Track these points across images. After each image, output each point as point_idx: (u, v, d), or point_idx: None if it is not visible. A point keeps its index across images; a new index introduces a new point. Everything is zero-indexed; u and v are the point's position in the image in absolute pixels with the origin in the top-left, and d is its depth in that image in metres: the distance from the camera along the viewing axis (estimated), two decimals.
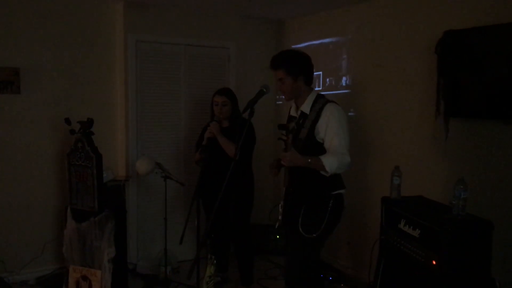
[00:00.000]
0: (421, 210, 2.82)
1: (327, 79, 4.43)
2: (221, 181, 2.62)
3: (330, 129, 2.76)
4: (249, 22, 4.95)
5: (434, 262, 2.55)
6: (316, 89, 4.01)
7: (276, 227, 2.95)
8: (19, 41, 3.99)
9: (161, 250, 4.10)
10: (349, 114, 4.10)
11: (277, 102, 5.23)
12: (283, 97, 2.99)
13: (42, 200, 4.19)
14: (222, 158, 3.57)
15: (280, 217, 2.92)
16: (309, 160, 2.70)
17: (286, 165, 2.76)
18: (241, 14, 4.77)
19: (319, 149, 2.80)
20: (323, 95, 2.96)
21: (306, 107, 2.88)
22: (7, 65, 3.93)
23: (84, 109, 4.14)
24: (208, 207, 3.85)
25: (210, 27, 4.64)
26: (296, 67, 2.86)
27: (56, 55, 4.14)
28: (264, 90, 2.75)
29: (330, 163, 2.70)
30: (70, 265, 3.77)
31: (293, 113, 3.01)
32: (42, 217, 4.20)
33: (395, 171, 3.02)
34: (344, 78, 4.29)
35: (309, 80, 2.94)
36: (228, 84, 4.61)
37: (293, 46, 4.78)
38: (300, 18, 4.87)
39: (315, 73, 3.20)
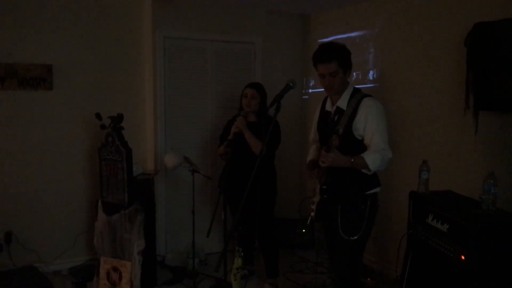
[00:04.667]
0: (450, 205, 2.79)
1: (354, 73, 4.39)
2: (245, 176, 2.64)
3: (370, 125, 2.67)
4: (275, 17, 4.95)
5: (463, 257, 2.52)
6: None
7: (308, 222, 2.94)
8: (51, 38, 4.10)
9: (189, 242, 4.16)
10: None
11: (303, 97, 5.23)
12: (327, 91, 2.85)
13: (74, 194, 4.31)
14: (246, 153, 3.60)
15: (312, 214, 2.89)
16: (352, 160, 2.62)
17: (327, 165, 2.65)
18: (266, 9, 4.77)
19: (357, 146, 2.72)
20: (359, 89, 2.86)
21: (342, 103, 2.78)
22: (40, 62, 4.05)
23: (114, 104, 4.23)
24: (232, 201, 3.88)
25: (236, 23, 4.66)
26: (348, 59, 2.78)
27: (86, 52, 4.24)
28: (291, 84, 2.70)
29: (373, 161, 2.62)
30: (101, 257, 3.86)
31: (328, 108, 2.90)
32: (74, 210, 4.32)
33: (423, 165, 3.00)
34: (371, 72, 4.26)
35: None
36: (254, 79, 4.63)
37: (319, 41, 4.77)
38: (327, 12, 4.85)
39: None
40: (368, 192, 2.80)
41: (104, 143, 3.79)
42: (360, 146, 2.74)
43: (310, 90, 5.15)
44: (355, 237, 2.76)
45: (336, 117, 2.79)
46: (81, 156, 4.30)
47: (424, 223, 2.87)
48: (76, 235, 4.31)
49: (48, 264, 4.18)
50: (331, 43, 2.87)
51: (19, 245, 4.08)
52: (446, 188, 3.15)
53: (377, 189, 2.86)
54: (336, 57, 2.72)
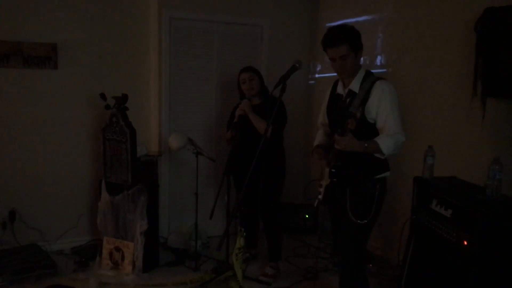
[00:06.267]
0: (454, 190, 2.77)
1: (362, 58, 4.33)
2: (252, 158, 2.64)
3: (383, 109, 2.63)
4: (283, 0, 4.90)
5: (465, 243, 2.51)
6: None
7: (315, 205, 2.93)
8: (57, 17, 4.08)
9: (191, 225, 4.17)
10: None
11: (310, 82, 5.19)
12: (340, 75, 2.80)
13: (78, 174, 4.32)
14: (253, 136, 3.58)
15: (320, 196, 2.86)
16: (366, 145, 2.58)
17: (340, 149, 2.60)
18: None
19: (369, 129, 2.69)
20: (372, 72, 2.82)
21: (355, 85, 2.73)
22: (45, 40, 4.03)
23: (119, 85, 4.22)
24: (238, 184, 3.88)
25: (243, 5, 4.62)
26: (358, 41, 2.72)
27: (92, 32, 4.22)
28: (297, 65, 2.68)
29: (386, 145, 2.58)
30: (104, 237, 3.88)
31: (339, 91, 2.85)
32: (77, 190, 4.34)
33: (429, 150, 2.97)
34: (379, 57, 4.21)
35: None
36: (261, 63, 4.60)
37: (327, 24, 4.71)
38: None
39: None
40: (377, 176, 2.77)
41: (109, 123, 3.79)
42: (372, 130, 2.70)
43: (317, 75, 5.10)
44: (364, 221, 2.74)
45: (348, 100, 2.75)
46: (85, 136, 4.30)
47: (428, 208, 2.86)
48: (79, 215, 4.34)
49: (51, 243, 4.21)
50: (339, 26, 2.81)
51: (23, 223, 4.11)
52: (450, 174, 3.12)
53: (387, 173, 2.83)
54: (346, 40, 2.67)
